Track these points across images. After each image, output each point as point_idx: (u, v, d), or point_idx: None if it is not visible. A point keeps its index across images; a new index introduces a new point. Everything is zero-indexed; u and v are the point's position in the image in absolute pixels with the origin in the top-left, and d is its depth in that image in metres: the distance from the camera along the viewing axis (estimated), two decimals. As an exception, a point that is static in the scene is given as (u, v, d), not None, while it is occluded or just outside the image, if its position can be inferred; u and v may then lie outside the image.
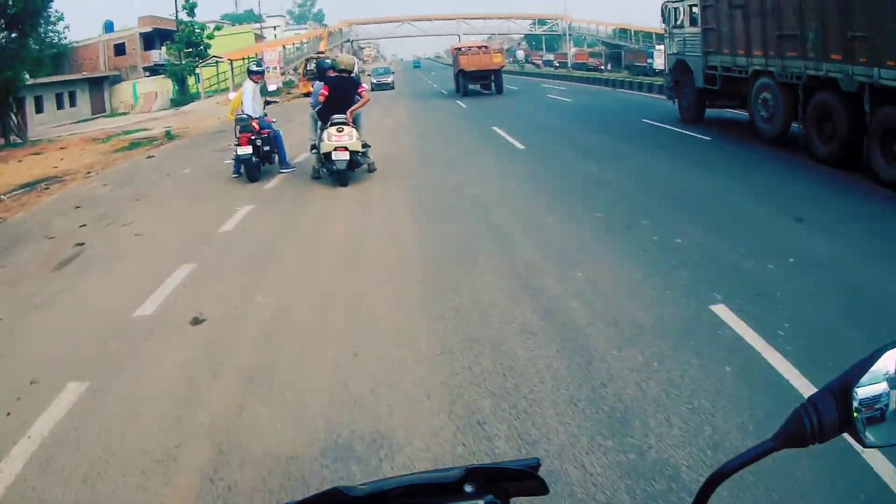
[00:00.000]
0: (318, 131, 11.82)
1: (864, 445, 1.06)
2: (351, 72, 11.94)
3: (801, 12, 11.56)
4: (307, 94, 44.72)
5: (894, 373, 1.04)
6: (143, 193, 13.19)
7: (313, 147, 12.61)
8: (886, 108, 9.68)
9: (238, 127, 12.67)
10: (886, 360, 1.04)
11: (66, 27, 57.24)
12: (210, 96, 48.74)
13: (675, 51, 18.23)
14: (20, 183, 17.13)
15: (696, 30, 16.46)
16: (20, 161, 22.07)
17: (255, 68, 13.46)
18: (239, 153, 12.49)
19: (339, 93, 11.45)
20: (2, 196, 15.64)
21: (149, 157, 19.39)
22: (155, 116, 39.42)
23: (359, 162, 12.01)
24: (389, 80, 48.68)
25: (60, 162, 20.73)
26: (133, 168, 17.47)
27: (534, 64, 76.30)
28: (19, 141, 30.38)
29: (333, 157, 11.30)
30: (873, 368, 1.04)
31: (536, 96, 32.87)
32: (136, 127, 30.86)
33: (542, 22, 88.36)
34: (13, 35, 30.14)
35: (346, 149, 11.25)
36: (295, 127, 18.18)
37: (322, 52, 50.28)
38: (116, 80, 53.84)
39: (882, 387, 1.04)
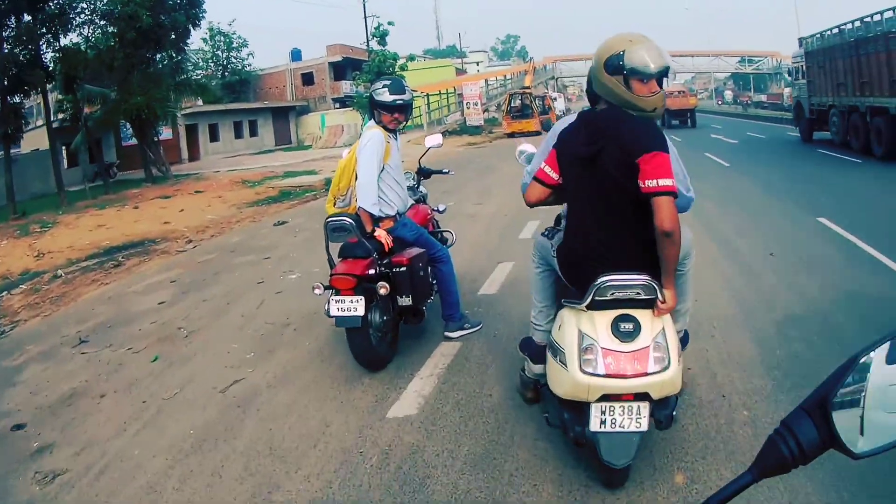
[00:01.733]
0: (546, 304, 4.00)
1: (854, 457, 1.07)
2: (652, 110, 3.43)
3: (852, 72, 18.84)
4: (511, 135, 39.69)
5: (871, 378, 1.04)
6: (194, 325, 7.23)
7: (528, 346, 4.18)
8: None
9: (330, 242, 5.46)
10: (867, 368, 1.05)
11: (251, 54, 55.91)
12: (403, 133, 43.87)
13: (796, 94, 25.41)
14: (106, 246, 13.24)
15: (804, 81, 23.55)
16: (136, 208, 18.11)
17: (388, 98, 5.38)
18: (333, 312, 5.05)
19: (589, 179, 3.38)
20: (59, 271, 11.44)
21: (280, 223, 13.75)
22: (334, 154, 35.08)
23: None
24: None
25: (179, 214, 16.18)
26: (242, 244, 11.82)
27: (741, 104, 67.76)
28: (160, 175, 26.44)
29: (596, 417, 3.21)
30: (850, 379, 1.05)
31: (737, 132, 33.86)
32: (306, 168, 26.15)
33: (750, 59, 79.17)
34: (148, 54, 26.46)
35: (641, 398, 3.19)
36: (489, 209, 12.89)
37: (528, 88, 44.81)
38: (304, 110, 51.04)
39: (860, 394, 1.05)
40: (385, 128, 5.47)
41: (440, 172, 7.20)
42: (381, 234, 5.36)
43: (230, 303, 7.84)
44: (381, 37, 43.77)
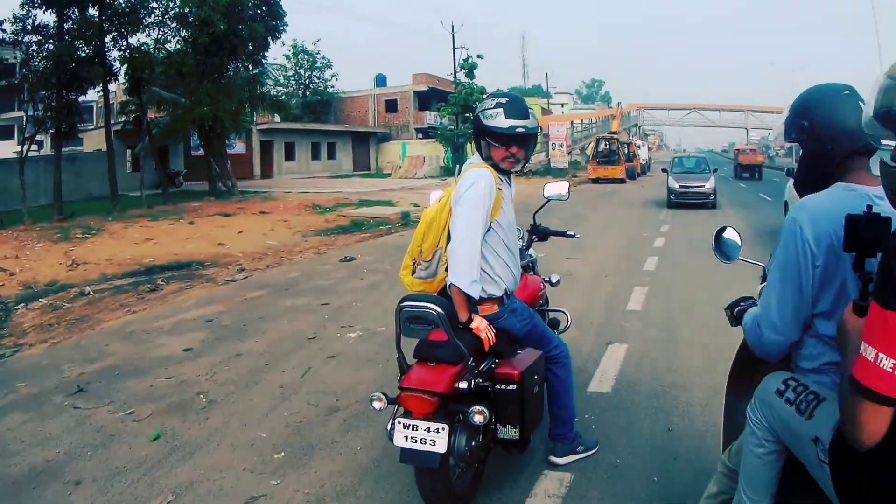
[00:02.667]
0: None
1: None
2: None
3: None
4: (596, 181, 37.94)
5: None
6: (217, 392, 5.52)
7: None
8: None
9: (403, 331, 3.55)
10: None
11: (335, 75, 55.57)
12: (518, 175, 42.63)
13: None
14: (148, 264, 12.06)
15: None
16: (191, 223, 16.91)
17: (505, 124, 3.59)
18: (399, 442, 3.29)
19: None
20: (87, 288, 10.22)
21: (346, 259, 12.17)
22: (413, 186, 33.91)
23: None
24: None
25: (236, 237, 14.89)
26: (299, 281, 10.25)
27: None
28: (225, 190, 25.34)
29: None
30: None
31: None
32: (382, 197, 24.84)
33: None
34: (221, 63, 25.53)
35: None
36: (586, 268, 11.00)
37: (615, 133, 43.82)
38: (385, 137, 50.26)
39: None
40: (496, 167, 3.72)
41: (563, 235, 5.38)
42: (480, 325, 3.62)
43: (269, 364, 6.19)
44: (470, 69, 42.85)
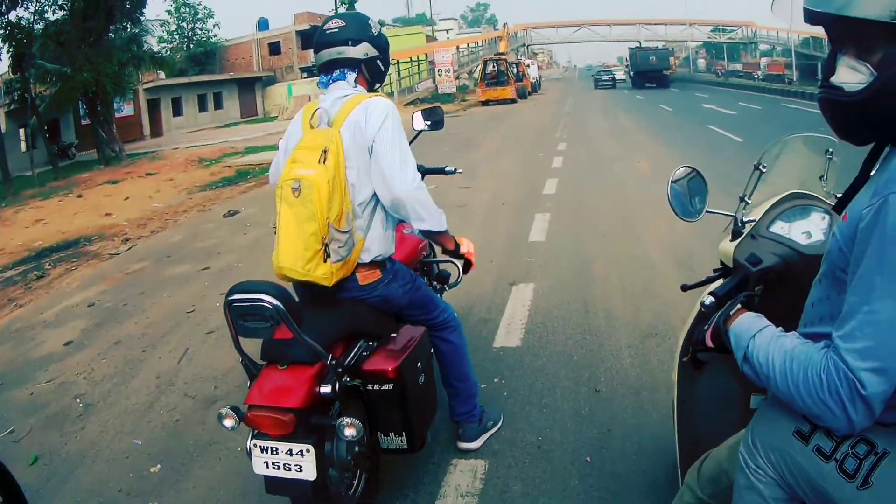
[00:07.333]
0: None
1: None
2: None
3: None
4: (486, 103, 36.69)
5: None
6: (94, 392, 4.88)
7: None
8: None
9: (238, 331, 2.57)
10: None
11: (217, 24, 52.67)
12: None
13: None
14: (38, 248, 10.65)
15: None
16: (80, 196, 15.46)
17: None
18: (259, 470, 2.53)
19: None
20: None
21: (229, 213, 11.32)
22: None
23: None
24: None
25: (123, 204, 13.63)
26: (181, 246, 9.35)
27: (716, 73, 66.32)
28: (114, 156, 23.56)
29: None
30: None
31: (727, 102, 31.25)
32: (269, 142, 23.50)
33: (724, 29, 76.78)
34: (97, 24, 23.00)
35: None
36: (482, 197, 10.33)
37: (503, 54, 42.69)
38: (270, 81, 47.89)
39: None
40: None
41: (442, 172, 4.09)
42: (469, 247, 3.25)
43: (146, 349, 5.49)
44: (350, 4, 40.74)
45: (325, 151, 2.61)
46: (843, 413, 1.24)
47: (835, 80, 1.32)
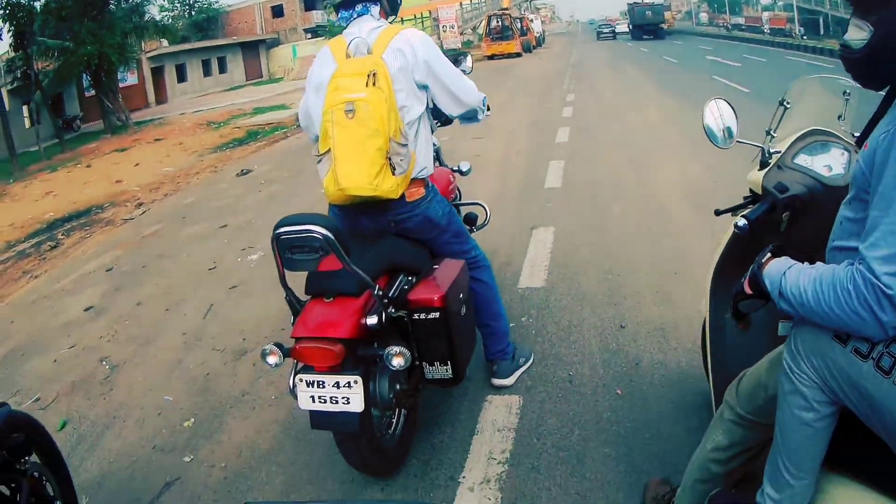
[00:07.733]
0: (807, 479, 1.68)
1: None
2: None
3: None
4: (491, 57, 35.70)
5: None
6: (119, 354, 4.83)
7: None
8: None
9: (284, 264, 2.51)
10: None
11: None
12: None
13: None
14: (49, 219, 10.47)
15: None
16: (88, 166, 15.20)
17: None
18: (304, 405, 2.50)
19: None
20: None
21: (243, 172, 11.09)
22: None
23: None
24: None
25: (133, 170, 13.45)
26: (195, 206, 9.16)
27: (725, 28, 65.82)
28: (120, 125, 23.26)
29: None
30: None
31: (731, 54, 30.33)
32: (276, 102, 23.16)
33: None
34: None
35: None
36: (496, 147, 10.12)
37: (507, 9, 41.83)
38: (274, 43, 47.34)
39: None
40: None
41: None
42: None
43: (170, 308, 5.35)
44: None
45: (372, 75, 2.63)
46: (874, 318, 1.36)
47: (847, 37, 1.51)
